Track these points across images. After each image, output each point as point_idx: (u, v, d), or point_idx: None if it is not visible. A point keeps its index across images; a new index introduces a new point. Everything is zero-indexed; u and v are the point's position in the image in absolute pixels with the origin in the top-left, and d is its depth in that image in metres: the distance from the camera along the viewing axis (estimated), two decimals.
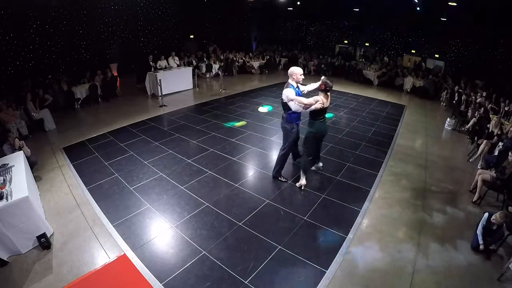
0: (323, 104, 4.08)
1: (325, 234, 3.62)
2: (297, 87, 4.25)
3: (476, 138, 6.26)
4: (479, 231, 3.42)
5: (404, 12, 12.18)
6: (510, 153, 4.38)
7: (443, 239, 3.64)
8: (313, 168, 5.00)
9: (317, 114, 4.20)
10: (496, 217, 3.38)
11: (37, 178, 4.74)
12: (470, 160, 5.81)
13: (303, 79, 4.24)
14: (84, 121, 7.63)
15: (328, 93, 4.18)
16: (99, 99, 9.22)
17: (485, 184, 4.39)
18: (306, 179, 4.51)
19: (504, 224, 3.41)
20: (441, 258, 3.34)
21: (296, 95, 4.09)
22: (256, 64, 14.39)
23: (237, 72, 13.84)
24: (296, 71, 4.18)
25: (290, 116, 4.25)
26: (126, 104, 8.97)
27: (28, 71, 9.30)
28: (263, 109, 8.63)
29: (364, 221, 3.89)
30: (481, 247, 3.34)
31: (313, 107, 4.05)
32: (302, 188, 4.51)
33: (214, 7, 15.21)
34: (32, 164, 4.77)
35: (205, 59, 13.56)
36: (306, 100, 4.03)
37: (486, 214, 3.48)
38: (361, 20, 14.36)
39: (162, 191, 4.45)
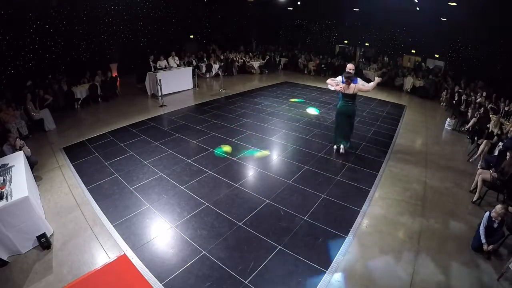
0: (343, 89, 5.26)
1: (325, 234, 3.62)
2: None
3: (476, 138, 6.26)
4: (481, 230, 3.42)
5: (404, 12, 12.18)
6: (508, 153, 4.39)
7: (443, 239, 3.64)
8: (335, 146, 5.86)
9: (342, 96, 5.43)
10: (496, 210, 3.39)
11: (37, 178, 4.74)
12: (470, 160, 5.81)
13: (354, 72, 5.49)
14: (84, 121, 7.64)
15: (350, 84, 5.23)
16: (99, 99, 9.22)
17: (485, 184, 4.39)
18: (335, 147, 5.83)
19: (505, 224, 3.41)
20: (441, 258, 3.33)
21: (342, 83, 5.35)
22: (256, 64, 14.39)
23: (237, 72, 13.85)
24: (348, 66, 5.58)
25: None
26: (126, 104, 8.97)
27: (28, 71, 9.31)
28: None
29: (364, 221, 3.89)
30: (485, 246, 3.33)
31: (333, 88, 5.44)
32: (334, 150, 5.81)
33: (214, 7, 15.22)
34: (32, 164, 4.77)
35: (205, 59, 13.56)
36: (330, 82, 5.48)
37: (487, 213, 3.48)
38: (361, 20, 14.36)
39: (162, 191, 4.45)
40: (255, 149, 5.82)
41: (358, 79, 5.46)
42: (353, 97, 5.35)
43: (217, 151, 5.76)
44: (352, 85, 5.22)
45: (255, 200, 4.26)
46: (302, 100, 9.81)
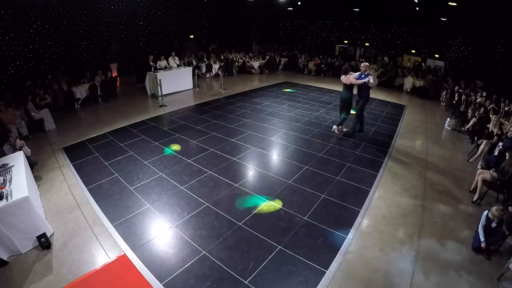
0: (341, 79, 6.37)
1: (325, 234, 3.62)
2: (363, 73, 6.32)
3: (476, 138, 6.26)
4: (480, 229, 3.42)
5: (404, 12, 12.18)
6: (507, 153, 4.39)
7: (443, 239, 3.64)
8: (335, 126, 6.90)
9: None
10: (492, 211, 3.38)
11: (37, 178, 4.74)
12: (470, 160, 5.81)
13: (364, 69, 6.35)
14: (84, 121, 7.64)
15: (348, 75, 6.24)
16: (99, 99, 9.23)
17: (485, 184, 4.39)
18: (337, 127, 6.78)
19: (504, 224, 3.40)
20: (441, 258, 3.34)
21: (358, 78, 6.26)
22: (256, 64, 14.39)
23: (237, 72, 13.85)
24: (361, 64, 6.56)
25: None
26: (126, 104, 8.97)
27: (28, 71, 9.31)
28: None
29: (364, 221, 3.89)
30: (483, 244, 3.33)
31: None
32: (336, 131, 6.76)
33: (214, 7, 15.22)
34: (32, 164, 4.77)
35: (205, 59, 13.56)
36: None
37: (486, 212, 3.48)
38: (361, 20, 14.37)
39: (162, 191, 4.45)
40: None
41: (369, 76, 6.30)
42: (347, 86, 6.39)
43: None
44: (346, 76, 6.29)
45: (255, 200, 4.25)
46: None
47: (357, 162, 5.49)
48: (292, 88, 11.30)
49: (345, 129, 6.85)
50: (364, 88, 6.41)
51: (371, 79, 6.19)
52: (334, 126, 6.83)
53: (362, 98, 6.60)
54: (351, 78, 6.20)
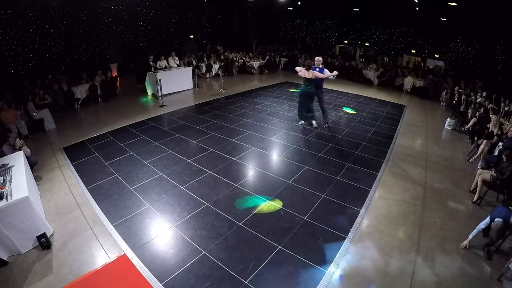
0: (303, 74, 6.55)
1: (325, 234, 3.62)
2: (318, 67, 6.77)
3: (476, 138, 6.26)
4: (477, 229, 3.48)
5: (404, 12, 12.19)
6: (503, 155, 4.39)
7: (443, 239, 3.64)
8: (300, 122, 7.34)
9: (303, 80, 6.70)
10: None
11: (37, 178, 4.74)
12: (470, 160, 5.81)
13: (318, 63, 6.81)
14: (84, 121, 7.64)
15: (309, 70, 6.53)
16: (99, 99, 9.22)
17: (485, 184, 4.39)
18: (299, 122, 7.32)
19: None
20: (441, 258, 3.34)
21: (313, 71, 6.58)
22: (256, 64, 14.39)
23: (237, 72, 13.85)
24: (315, 58, 6.94)
25: None
26: (126, 104, 8.97)
27: (28, 71, 9.31)
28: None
29: (364, 221, 3.89)
30: (465, 242, 3.49)
31: (299, 73, 6.68)
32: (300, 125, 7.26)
33: (214, 7, 15.22)
34: (32, 164, 4.77)
35: (205, 59, 13.57)
36: (298, 69, 6.80)
37: (487, 219, 3.47)
38: (361, 20, 14.37)
39: (162, 191, 4.45)
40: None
41: (325, 70, 6.79)
42: (311, 81, 6.60)
43: None
44: (310, 71, 6.52)
45: (255, 200, 4.25)
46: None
47: (357, 162, 5.49)
48: (297, 88, 11.39)
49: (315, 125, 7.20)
50: (322, 81, 6.99)
51: (328, 72, 6.74)
52: (301, 122, 7.26)
53: (322, 90, 7.12)
54: (316, 73, 6.54)
